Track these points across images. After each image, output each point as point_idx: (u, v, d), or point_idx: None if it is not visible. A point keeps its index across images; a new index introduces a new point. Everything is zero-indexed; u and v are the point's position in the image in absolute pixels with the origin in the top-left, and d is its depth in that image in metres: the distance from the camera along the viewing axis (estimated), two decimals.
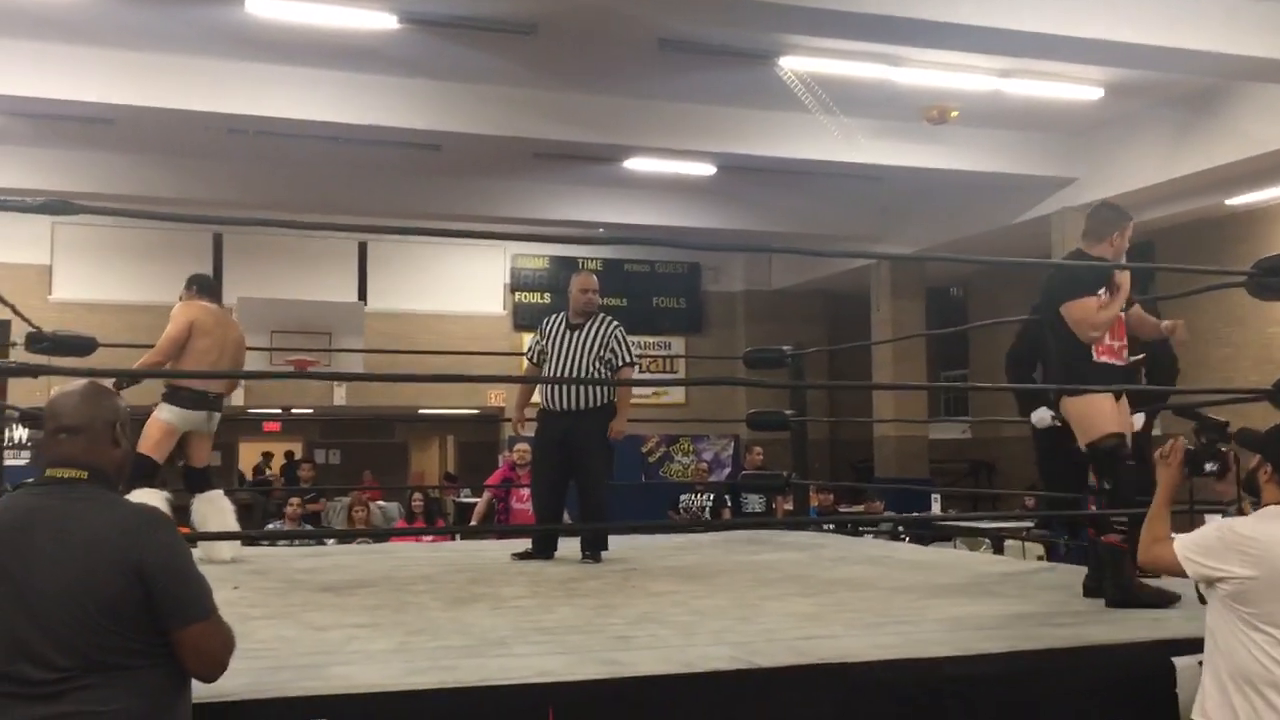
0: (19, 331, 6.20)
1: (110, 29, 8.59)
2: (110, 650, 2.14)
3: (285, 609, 4.15)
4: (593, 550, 5.77)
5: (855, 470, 16.14)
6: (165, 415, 5.58)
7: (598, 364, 5.86)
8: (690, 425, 15.63)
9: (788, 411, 7.61)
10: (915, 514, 10.44)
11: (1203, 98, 9.95)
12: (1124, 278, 4.24)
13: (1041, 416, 5.04)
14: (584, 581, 4.93)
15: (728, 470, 15.93)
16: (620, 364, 5.93)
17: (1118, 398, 4.21)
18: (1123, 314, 4.29)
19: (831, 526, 8.57)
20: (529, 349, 6.28)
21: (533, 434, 6.15)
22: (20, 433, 12.23)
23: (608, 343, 5.90)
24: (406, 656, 3.18)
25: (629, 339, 6.03)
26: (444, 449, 21.26)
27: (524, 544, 6.02)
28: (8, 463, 6.84)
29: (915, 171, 11.41)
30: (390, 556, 6.24)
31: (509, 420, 6.89)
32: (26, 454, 12.27)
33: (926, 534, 9.30)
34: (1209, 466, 3.33)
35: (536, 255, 15.99)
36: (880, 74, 9.30)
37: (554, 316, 6.13)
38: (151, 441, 5.53)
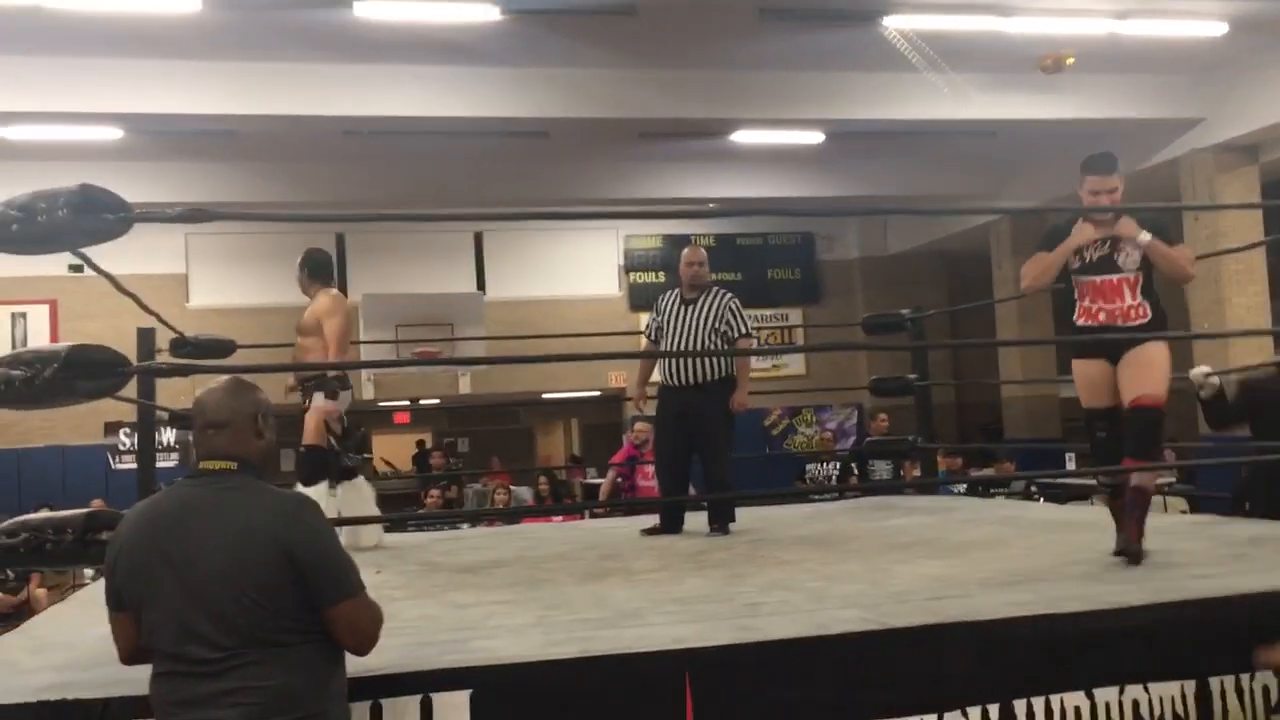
0: (163, 339, 6.50)
1: (224, 42, 8.91)
2: (268, 629, 2.27)
3: (427, 589, 4.30)
4: (720, 522, 5.79)
5: (984, 433, 15.83)
6: (324, 403, 5.78)
7: (714, 337, 5.88)
8: (812, 395, 15.53)
9: (910, 375, 7.52)
10: (1047, 471, 10.20)
11: None
12: (1076, 231, 4.09)
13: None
14: (713, 553, 4.98)
15: (852, 440, 15.81)
16: (737, 335, 5.95)
17: (1113, 361, 4.09)
18: (1115, 277, 4.10)
19: (962, 488, 8.45)
20: (646, 327, 6.35)
21: (653, 411, 6.21)
22: (169, 435, 12.83)
23: (723, 314, 5.92)
24: (545, 630, 3.27)
25: (744, 311, 6.05)
26: (568, 432, 21.55)
27: (652, 520, 6.10)
28: (158, 465, 7.18)
29: (1031, 124, 11.10)
30: (523, 537, 6.38)
31: (630, 399, 6.95)
32: (175, 456, 12.87)
33: (1062, 494, 9.10)
34: None
35: (649, 235, 16.05)
36: (990, 25, 9.07)
37: (669, 293, 6.17)
38: (316, 432, 5.73)
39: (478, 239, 15.50)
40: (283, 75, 9.50)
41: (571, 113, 10.29)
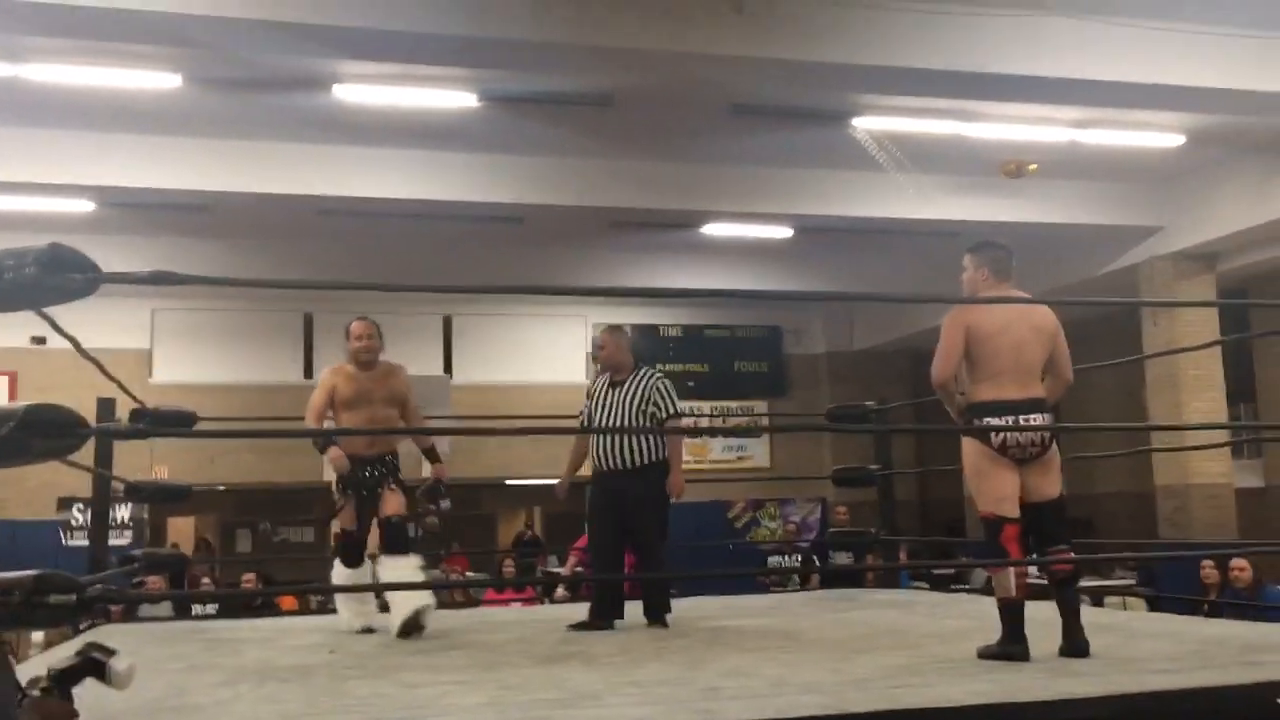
0: (123, 411, 6.43)
1: (204, 119, 8.98)
2: None
3: (380, 669, 4.22)
4: (656, 614, 5.52)
5: (948, 531, 15.83)
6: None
7: (642, 419, 5.69)
8: (776, 487, 15.49)
9: (873, 467, 7.55)
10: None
11: None
12: None
13: None
14: (673, 640, 4.92)
15: (815, 534, 15.76)
16: (665, 416, 5.74)
17: None
18: None
19: (926, 585, 8.43)
20: (580, 414, 6.13)
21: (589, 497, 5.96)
22: (123, 512, 12.59)
23: (650, 396, 5.72)
24: (499, 710, 3.21)
25: (674, 392, 5.83)
26: (530, 519, 21.36)
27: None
28: (110, 541, 7.03)
29: (994, 226, 11.28)
30: (481, 620, 6.28)
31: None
32: (129, 533, 12.62)
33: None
34: None
35: (617, 323, 16.11)
36: (955, 129, 9.32)
37: (597, 380, 6.02)
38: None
39: (446, 323, 15.50)
40: (259, 153, 9.57)
41: (545, 200, 10.40)
